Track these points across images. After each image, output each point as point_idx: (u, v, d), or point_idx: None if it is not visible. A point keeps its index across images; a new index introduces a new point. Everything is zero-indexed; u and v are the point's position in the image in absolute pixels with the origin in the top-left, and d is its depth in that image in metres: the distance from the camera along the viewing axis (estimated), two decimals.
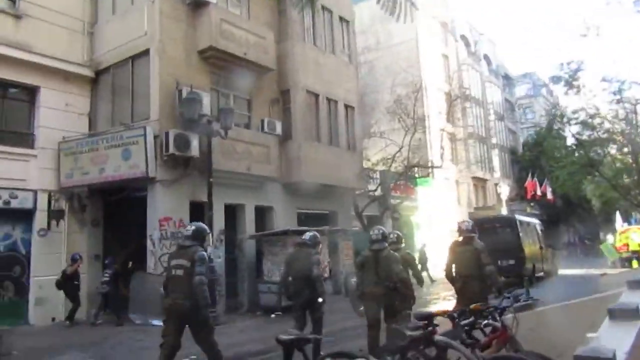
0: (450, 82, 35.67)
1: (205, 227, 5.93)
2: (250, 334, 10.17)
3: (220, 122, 11.55)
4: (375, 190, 19.18)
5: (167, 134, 11.68)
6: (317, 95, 16.06)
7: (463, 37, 39.19)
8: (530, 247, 20.17)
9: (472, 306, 3.60)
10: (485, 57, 43.02)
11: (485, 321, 3.54)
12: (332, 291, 17.02)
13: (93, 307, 11.92)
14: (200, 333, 5.42)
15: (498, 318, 3.60)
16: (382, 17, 27.60)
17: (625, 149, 15.87)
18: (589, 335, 2.59)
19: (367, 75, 26.97)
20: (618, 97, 14.77)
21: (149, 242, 11.69)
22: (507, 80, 49.65)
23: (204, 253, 5.52)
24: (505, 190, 31.52)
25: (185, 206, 12.29)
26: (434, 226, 30.93)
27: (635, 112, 16.01)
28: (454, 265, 6.98)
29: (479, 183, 37.50)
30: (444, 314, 3.52)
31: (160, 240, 11.62)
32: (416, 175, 28.32)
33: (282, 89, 15.52)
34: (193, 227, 5.72)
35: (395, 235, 7.64)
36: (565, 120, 17.45)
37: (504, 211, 30.78)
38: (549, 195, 39.14)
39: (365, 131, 23.75)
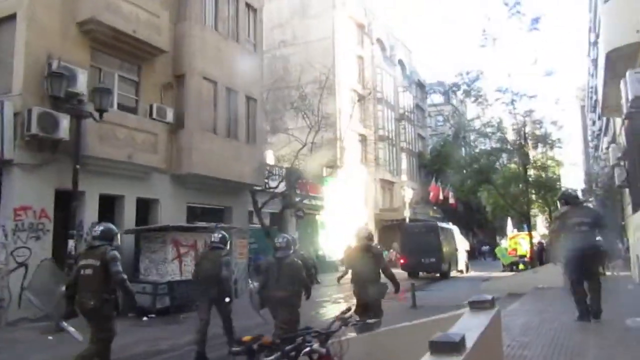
0: (364, 84, 36.05)
1: (113, 227, 5.87)
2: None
3: (94, 102, 10.35)
4: (277, 187, 18.58)
5: (29, 112, 10.27)
6: (215, 83, 15.13)
7: (379, 40, 39.71)
8: (447, 248, 23.99)
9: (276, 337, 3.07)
10: (400, 62, 43.96)
11: (308, 347, 2.99)
12: None
13: None
14: (99, 332, 5.39)
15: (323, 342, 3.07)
16: (300, 12, 27.06)
17: (515, 159, 16.54)
18: None
19: (281, 70, 26.30)
20: (511, 107, 15.36)
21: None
22: (420, 87, 51.16)
23: (115, 252, 5.47)
24: (409, 193, 32.18)
25: (50, 195, 10.91)
26: (340, 226, 31.03)
27: (525, 124, 16.75)
28: (350, 271, 7.10)
29: (386, 185, 38.22)
30: (255, 339, 2.94)
31: (15, 232, 10.20)
32: (324, 174, 28.20)
33: (177, 74, 14.43)
34: (101, 228, 5.72)
35: (286, 240, 6.98)
36: (462, 127, 17.85)
37: (407, 214, 31.38)
38: (451, 200, 40.84)
39: (275, 126, 23.13)
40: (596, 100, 44.96)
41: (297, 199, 25.55)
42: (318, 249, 28.28)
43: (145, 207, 13.59)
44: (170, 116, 13.63)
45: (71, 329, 7.84)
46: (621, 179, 18.48)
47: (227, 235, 7.70)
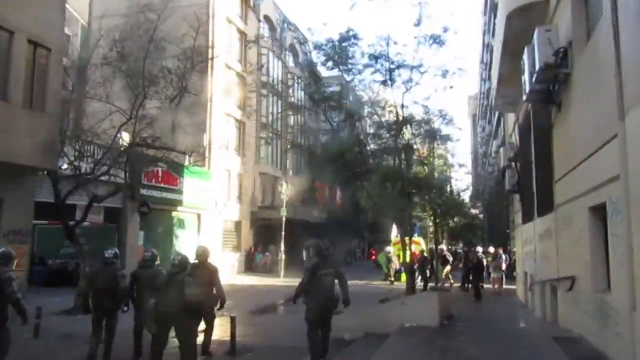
0: (245, 63, 31.77)
1: (12, 251, 6.63)
2: None
3: None
4: (93, 172, 13.54)
5: None
6: None
7: (267, 18, 35.62)
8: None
9: None
10: (292, 47, 40.18)
11: None
12: None
13: None
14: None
15: None
16: None
17: (386, 144, 13.27)
18: None
19: (143, 38, 21.23)
20: (386, 77, 12.09)
21: None
22: (314, 79, 47.80)
23: (12, 273, 6.17)
24: (287, 189, 28.47)
25: None
26: (207, 225, 26.57)
27: (405, 108, 13.49)
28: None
29: (268, 180, 34.25)
30: None
31: None
32: (186, 162, 23.54)
33: None
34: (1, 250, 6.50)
35: (150, 254, 8.39)
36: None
37: (284, 213, 27.62)
38: (337, 200, 37.91)
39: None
40: (487, 106, 44.67)
41: (146, 192, 20.86)
42: (173, 253, 23.57)
43: None
44: None
45: None
46: (512, 182, 15.97)
47: (118, 251, 8.21)
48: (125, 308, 7.90)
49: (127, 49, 13.85)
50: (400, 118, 12.93)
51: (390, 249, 27.78)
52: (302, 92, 39.42)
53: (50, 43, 12.08)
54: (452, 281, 21.45)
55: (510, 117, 18.77)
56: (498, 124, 31.32)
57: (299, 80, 39.40)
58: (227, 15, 30.16)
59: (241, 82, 31.61)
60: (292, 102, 36.91)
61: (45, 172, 13.30)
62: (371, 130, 13.85)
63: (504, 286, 20.29)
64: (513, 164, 16.38)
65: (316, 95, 15.78)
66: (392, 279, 24.89)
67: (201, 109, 24.71)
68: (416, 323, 8.71)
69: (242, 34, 32.10)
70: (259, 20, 34.28)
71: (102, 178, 13.42)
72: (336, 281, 7.46)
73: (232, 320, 8.85)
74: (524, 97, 9.64)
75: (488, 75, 41.79)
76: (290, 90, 37.74)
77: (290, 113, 35.94)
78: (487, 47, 38.60)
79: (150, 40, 13.74)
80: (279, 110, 35.09)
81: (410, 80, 11.81)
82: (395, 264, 25.15)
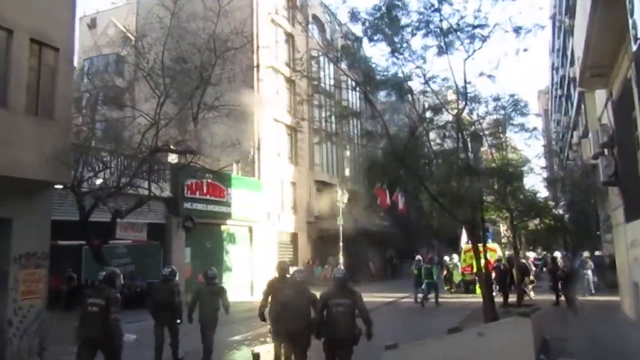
0: (294, 67, 30.23)
1: (117, 271, 6.94)
2: None
3: None
4: (118, 183, 12.16)
5: None
6: None
7: (316, 18, 33.99)
8: None
9: None
10: (344, 48, 38.28)
11: None
12: None
13: None
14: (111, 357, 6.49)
15: None
16: None
17: (449, 133, 11.04)
18: None
19: (188, 45, 20.23)
20: (440, 42, 9.82)
21: None
22: (371, 80, 45.64)
23: (118, 295, 6.50)
24: (342, 197, 26.41)
25: None
26: (260, 238, 25.01)
27: (464, 86, 11.01)
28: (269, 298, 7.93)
29: (325, 188, 32.33)
30: None
31: None
32: (234, 172, 22.22)
33: None
34: (104, 273, 6.75)
35: (212, 272, 9.15)
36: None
37: (341, 222, 25.56)
38: (400, 206, 35.28)
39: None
40: (562, 96, 40.40)
41: (189, 206, 19.53)
42: (225, 268, 22.16)
43: None
44: None
45: None
46: (607, 173, 13.07)
47: (175, 269, 9.45)
48: (179, 321, 8.83)
49: (147, 46, 12.47)
50: (462, 95, 10.57)
51: (447, 258, 25.64)
52: (356, 92, 37.44)
53: (58, 42, 10.84)
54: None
55: (599, 96, 15.74)
56: (578, 112, 27.64)
57: (355, 86, 37.40)
58: (272, 17, 28.88)
59: (290, 86, 30.12)
60: (346, 106, 34.93)
61: (68, 187, 12.12)
62: (428, 114, 11.58)
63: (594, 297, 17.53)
64: (607, 150, 13.49)
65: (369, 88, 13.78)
66: (453, 289, 23.26)
67: (247, 115, 23.41)
68: None
69: (290, 36, 30.67)
70: (307, 23, 32.70)
71: (123, 191, 12.01)
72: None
73: (256, 358, 6.90)
74: (634, 47, 7.06)
75: (561, 63, 37.80)
76: (343, 92, 35.80)
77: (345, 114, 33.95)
78: (560, 31, 34.90)
79: (167, 34, 12.23)
80: (332, 115, 33.21)
81: (472, 39, 9.43)
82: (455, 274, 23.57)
